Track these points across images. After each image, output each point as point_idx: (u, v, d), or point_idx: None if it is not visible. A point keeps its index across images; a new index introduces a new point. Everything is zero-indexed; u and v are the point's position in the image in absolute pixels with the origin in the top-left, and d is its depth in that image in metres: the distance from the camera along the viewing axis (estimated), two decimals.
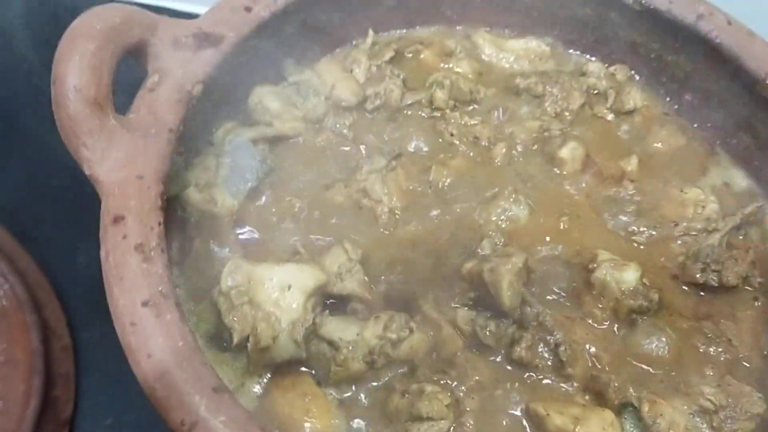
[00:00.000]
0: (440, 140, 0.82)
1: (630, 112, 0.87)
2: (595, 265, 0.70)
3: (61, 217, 1.02)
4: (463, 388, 0.64)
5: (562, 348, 0.65)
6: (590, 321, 0.69)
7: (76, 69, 0.59)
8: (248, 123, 0.79)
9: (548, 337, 0.66)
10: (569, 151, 0.81)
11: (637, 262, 0.70)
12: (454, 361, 0.65)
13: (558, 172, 0.81)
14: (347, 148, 0.80)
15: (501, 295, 0.65)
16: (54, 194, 1.03)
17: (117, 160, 0.60)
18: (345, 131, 0.81)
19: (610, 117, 0.87)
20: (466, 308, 0.68)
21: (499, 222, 0.75)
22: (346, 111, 0.82)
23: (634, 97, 0.86)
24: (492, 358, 0.66)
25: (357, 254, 0.69)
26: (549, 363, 0.66)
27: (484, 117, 0.85)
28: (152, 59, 0.68)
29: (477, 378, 0.65)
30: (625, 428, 0.62)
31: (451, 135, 0.82)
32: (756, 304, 0.72)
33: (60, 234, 0.99)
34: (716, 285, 0.71)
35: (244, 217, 0.73)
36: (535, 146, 0.83)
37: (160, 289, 0.54)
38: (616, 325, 0.69)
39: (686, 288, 0.73)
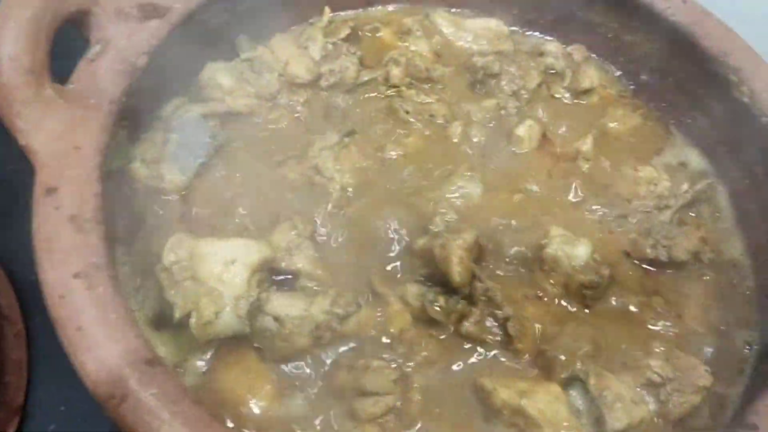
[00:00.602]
0: (395, 118, 0.81)
1: (586, 92, 0.87)
2: (547, 241, 0.70)
3: (12, 203, 1.00)
4: (410, 364, 0.63)
5: (510, 323, 0.64)
6: (541, 296, 0.68)
7: (11, 37, 0.57)
8: (199, 99, 0.77)
9: (497, 312, 0.65)
10: (526, 130, 0.81)
11: (588, 239, 0.70)
12: (402, 337, 0.65)
13: (514, 150, 0.81)
14: (300, 126, 0.78)
15: (451, 270, 0.65)
16: (4, 180, 1.00)
17: (53, 131, 0.58)
18: (299, 108, 0.80)
19: (566, 96, 0.87)
20: (417, 284, 0.67)
21: (453, 199, 0.75)
22: (300, 88, 0.81)
23: (591, 77, 0.86)
24: (441, 336, 0.66)
25: (307, 230, 0.68)
26: (498, 338, 0.65)
27: (440, 95, 0.84)
28: (95, 29, 0.66)
29: (425, 354, 0.64)
30: (572, 402, 0.61)
31: (407, 113, 0.81)
32: (705, 278, 0.73)
33: (12, 220, 0.96)
34: (666, 261, 0.71)
35: (192, 194, 0.71)
36: (492, 124, 0.83)
37: (93, 260, 0.53)
38: (567, 301, 0.69)
39: (638, 263, 0.73)
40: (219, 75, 0.78)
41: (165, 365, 0.50)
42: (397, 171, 0.77)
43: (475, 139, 0.81)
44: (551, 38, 0.92)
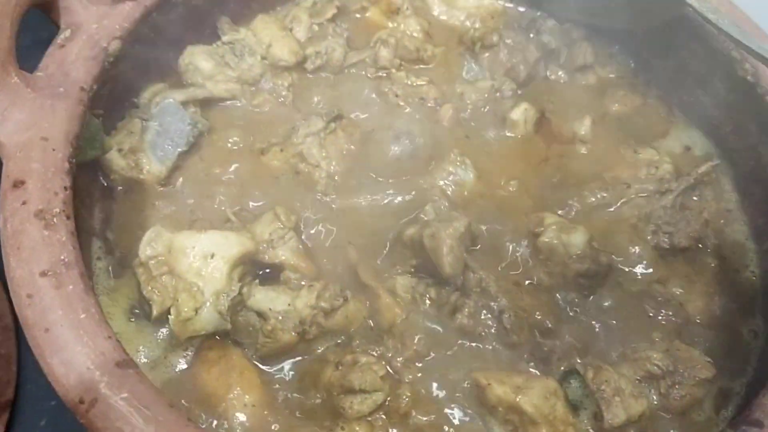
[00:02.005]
0: (384, 101, 0.78)
1: (582, 69, 0.83)
2: (542, 229, 0.67)
3: None
4: (400, 358, 0.61)
5: (506, 315, 0.62)
6: (537, 286, 0.66)
7: None
8: (179, 85, 0.74)
9: (491, 304, 0.63)
10: (521, 113, 0.78)
11: (585, 225, 0.67)
12: (392, 331, 0.62)
13: (509, 134, 0.78)
14: (284, 111, 0.75)
15: (441, 261, 0.62)
16: None
17: (19, 121, 0.55)
18: (283, 92, 0.77)
19: (562, 76, 0.84)
20: (408, 275, 0.65)
21: (445, 186, 0.72)
22: (284, 71, 0.78)
23: (585, 53, 0.83)
24: (433, 327, 0.63)
25: (290, 221, 0.65)
26: (493, 330, 0.63)
27: (432, 77, 0.81)
28: (64, 14, 0.63)
29: (416, 348, 0.61)
30: (570, 396, 0.59)
31: (396, 96, 0.78)
32: (709, 265, 0.70)
33: None
34: (667, 247, 0.68)
35: (172, 184, 0.69)
36: (486, 108, 0.79)
37: (62, 257, 0.50)
38: (564, 291, 0.66)
39: (639, 251, 0.70)
40: (199, 59, 0.75)
41: (137, 367, 0.47)
42: (386, 157, 0.74)
43: (468, 123, 0.78)
44: (547, 15, 0.88)
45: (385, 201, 0.70)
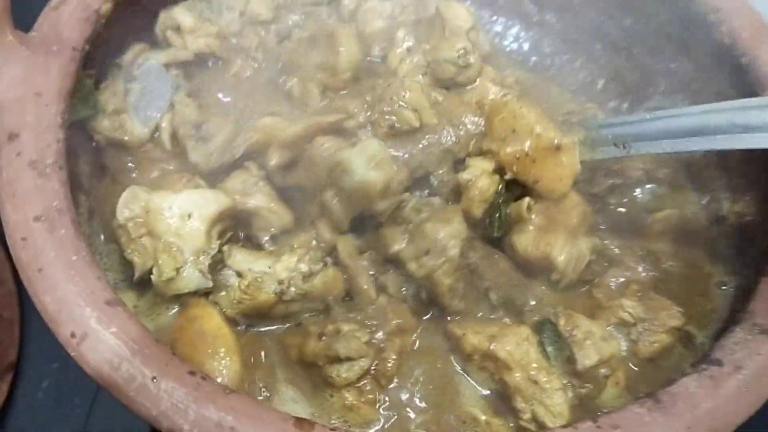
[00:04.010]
0: None
1: None
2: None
3: None
4: (381, 333, 0.61)
5: (492, 295, 0.64)
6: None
7: None
8: (161, 46, 0.75)
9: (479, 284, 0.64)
10: None
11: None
12: (369, 307, 0.63)
13: None
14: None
15: (443, 296, 0.63)
16: None
17: (14, 77, 0.58)
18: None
19: None
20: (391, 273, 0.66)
21: None
22: (261, 26, 0.78)
23: None
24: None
25: (260, 172, 0.66)
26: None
27: None
28: None
29: (397, 322, 0.62)
30: (544, 343, 0.61)
31: None
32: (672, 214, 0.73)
33: None
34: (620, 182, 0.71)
35: (154, 145, 0.71)
36: None
37: (54, 204, 0.53)
38: None
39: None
40: (178, 14, 0.75)
41: (125, 306, 0.50)
42: None
43: None
44: None
45: None
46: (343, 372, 0.58)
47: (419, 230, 0.62)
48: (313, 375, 0.60)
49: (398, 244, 0.63)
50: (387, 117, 0.68)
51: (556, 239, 0.64)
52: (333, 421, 0.58)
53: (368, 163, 0.62)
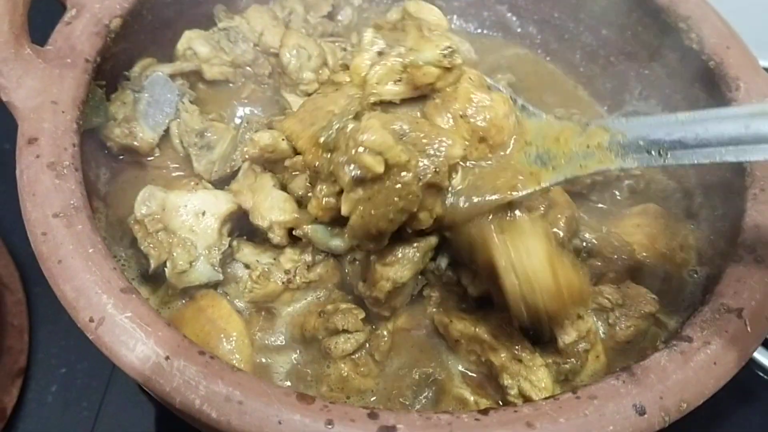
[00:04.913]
0: None
1: None
2: None
3: (11, 175, 1.03)
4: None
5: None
6: None
7: None
8: (169, 61, 0.81)
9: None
10: None
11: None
12: None
13: None
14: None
15: None
16: (3, 153, 1.04)
17: (32, 88, 0.62)
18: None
19: None
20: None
21: None
22: (274, 57, 0.83)
23: None
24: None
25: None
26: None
27: None
28: None
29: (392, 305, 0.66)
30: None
31: None
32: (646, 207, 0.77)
33: (11, 191, 1.00)
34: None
35: (163, 149, 0.75)
36: None
37: (72, 202, 0.57)
38: None
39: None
40: (196, 44, 0.81)
41: (139, 293, 0.54)
42: None
43: None
44: None
45: None
46: (340, 344, 0.62)
47: None
48: (313, 350, 0.65)
49: None
50: (346, 168, 0.56)
51: None
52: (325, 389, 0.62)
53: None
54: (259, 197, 0.66)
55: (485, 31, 1.00)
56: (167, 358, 0.50)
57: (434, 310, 0.67)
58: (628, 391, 0.52)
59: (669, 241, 0.73)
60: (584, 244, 0.72)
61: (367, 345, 0.64)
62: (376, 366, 0.64)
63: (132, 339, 0.51)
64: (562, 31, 0.95)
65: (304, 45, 0.78)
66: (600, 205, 0.78)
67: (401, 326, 0.67)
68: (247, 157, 0.67)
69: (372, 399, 0.63)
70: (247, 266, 0.67)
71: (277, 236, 0.65)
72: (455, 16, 1.00)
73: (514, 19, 0.99)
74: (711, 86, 0.76)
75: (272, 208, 0.65)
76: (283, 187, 0.67)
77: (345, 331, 0.63)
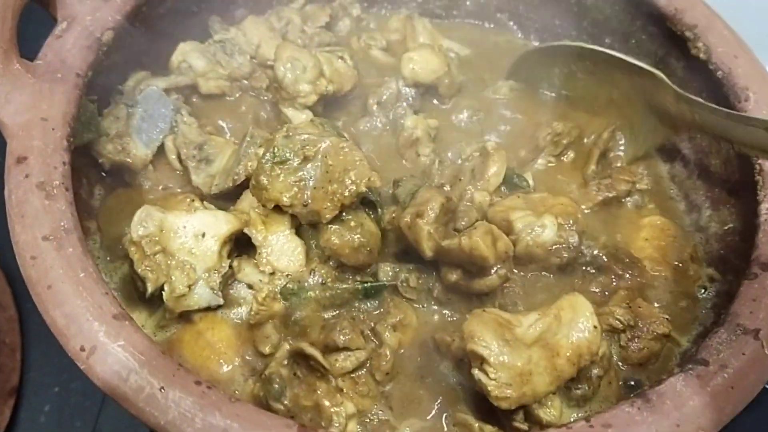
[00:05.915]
0: None
1: None
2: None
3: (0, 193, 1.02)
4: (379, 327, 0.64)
5: None
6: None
7: None
8: (164, 74, 0.79)
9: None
10: None
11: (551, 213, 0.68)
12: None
13: None
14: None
15: (422, 247, 0.63)
16: None
17: (21, 104, 0.60)
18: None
19: None
20: (389, 263, 0.68)
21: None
22: (271, 69, 0.81)
23: None
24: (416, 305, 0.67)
25: None
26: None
27: None
28: (60, 7, 0.68)
29: (400, 317, 0.65)
30: None
31: None
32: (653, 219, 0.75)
33: (3, 208, 0.99)
34: (612, 196, 0.74)
35: (157, 166, 0.73)
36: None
37: (62, 224, 0.55)
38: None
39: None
40: (191, 57, 0.79)
41: (132, 320, 0.52)
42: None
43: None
44: None
45: None
46: (340, 361, 0.60)
47: None
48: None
49: None
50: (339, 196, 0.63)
51: None
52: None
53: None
54: (270, 237, 0.65)
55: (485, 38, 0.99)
56: (162, 388, 0.48)
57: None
58: (643, 419, 0.50)
59: (680, 253, 0.71)
60: (590, 256, 0.70)
61: (368, 364, 0.62)
62: (377, 386, 0.62)
63: (125, 369, 0.49)
64: (563, 40, 0.93)
65: (298, 57, 0.76)
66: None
67: (404, 344, 0.65)
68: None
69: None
70: (250, 286, 0.65)
71: (276, 281, 0.64)
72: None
73: (516, 27, 0.98)
74: (719, 97, 0.74)
75: (281, 255, 0.64)
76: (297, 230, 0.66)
77: (345, 348, 0.61)
